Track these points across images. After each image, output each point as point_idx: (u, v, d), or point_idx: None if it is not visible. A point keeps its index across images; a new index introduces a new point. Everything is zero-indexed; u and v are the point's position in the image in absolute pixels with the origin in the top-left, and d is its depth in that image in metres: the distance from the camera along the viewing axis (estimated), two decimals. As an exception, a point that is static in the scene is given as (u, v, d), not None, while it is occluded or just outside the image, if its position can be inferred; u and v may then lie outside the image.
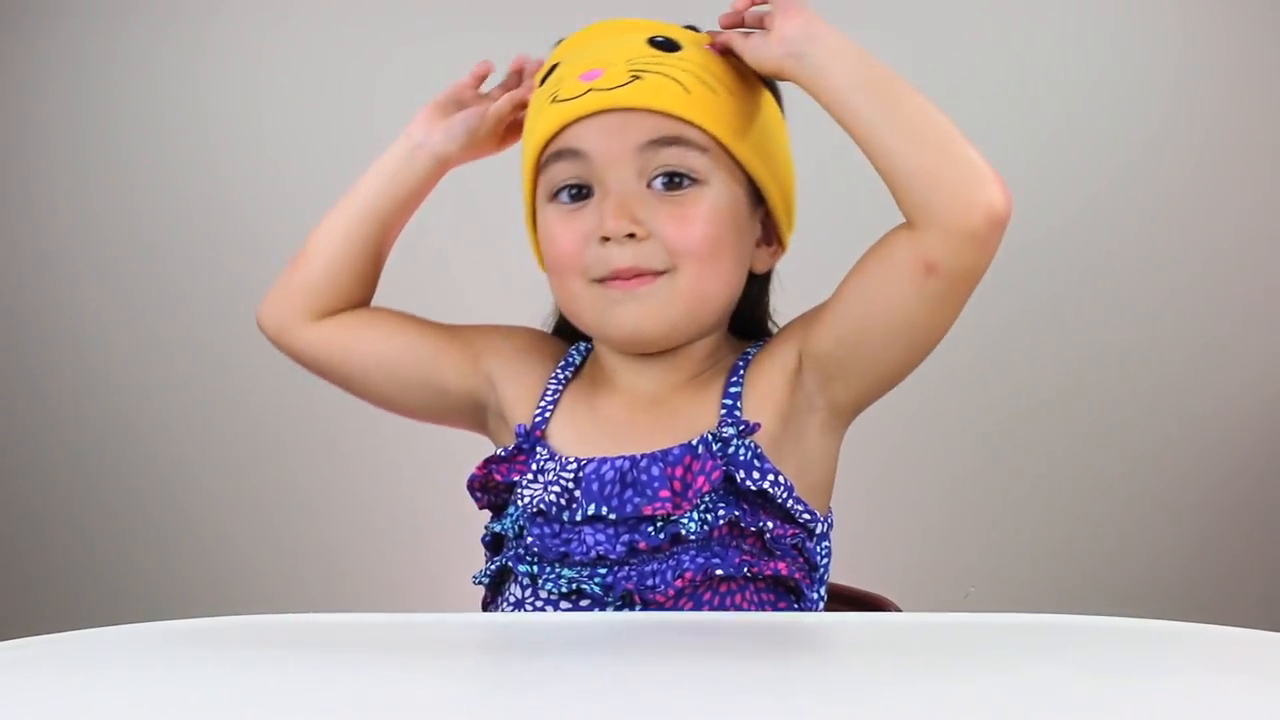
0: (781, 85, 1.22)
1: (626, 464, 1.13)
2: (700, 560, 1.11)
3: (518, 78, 1.30)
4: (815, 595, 1.17)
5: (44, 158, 2.64)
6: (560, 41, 1.24)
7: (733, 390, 1.17)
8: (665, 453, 1.13)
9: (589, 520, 1.12)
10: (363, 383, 1.28)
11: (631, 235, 1.13)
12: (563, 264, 1.16)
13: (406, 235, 1.29)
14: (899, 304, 1.09)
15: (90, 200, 2.63)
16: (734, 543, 1.12)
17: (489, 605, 1.23)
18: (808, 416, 1.16)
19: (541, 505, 1.14)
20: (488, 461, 1.20)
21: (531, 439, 1.19)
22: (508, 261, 2.25)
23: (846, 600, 1.33)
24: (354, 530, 2.64)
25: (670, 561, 1.11)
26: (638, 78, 1.13)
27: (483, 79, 1.30)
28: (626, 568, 1.12)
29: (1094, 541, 2.63)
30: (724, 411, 1.16)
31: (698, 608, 1.11)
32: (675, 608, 1.11)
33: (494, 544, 1.22)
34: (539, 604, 1.15)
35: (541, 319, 1.32)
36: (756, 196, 1.19)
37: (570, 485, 1.14)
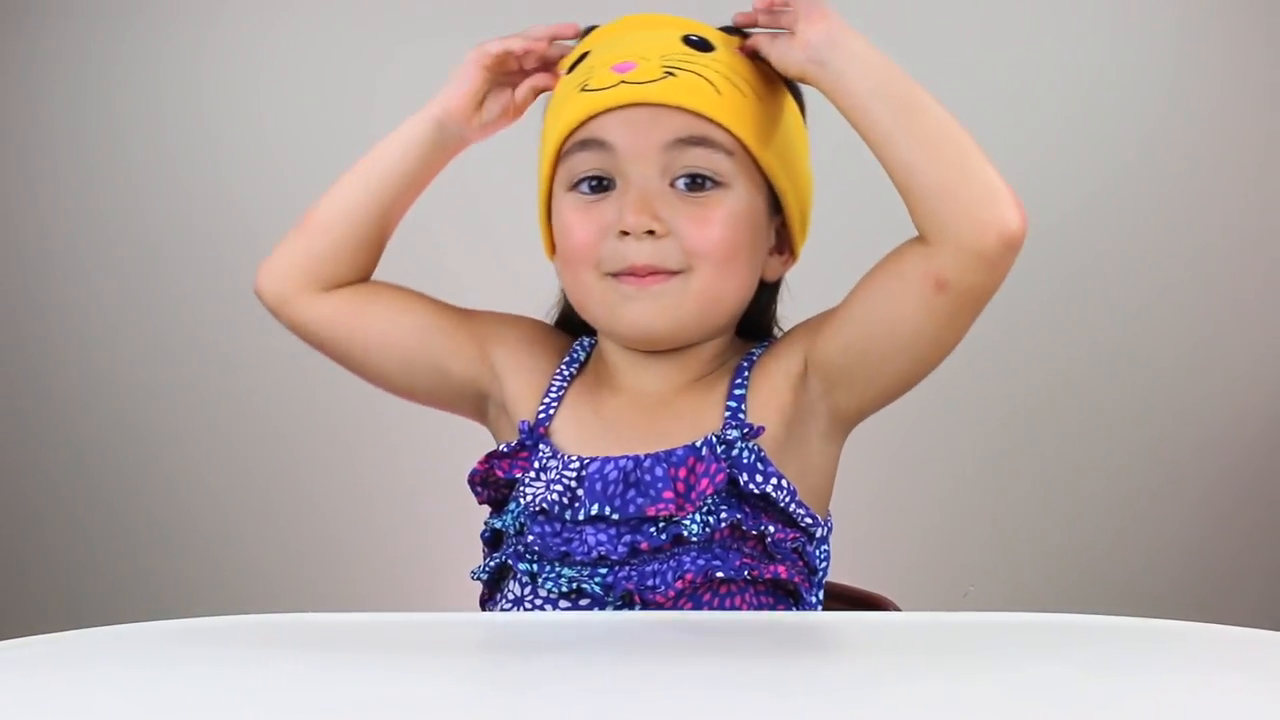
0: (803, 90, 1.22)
1: (630, 464, 1.13)
2: (701, 562, 1.11)
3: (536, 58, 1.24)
4: (814, 599, 1.17)
5: (46, 158, 2.64)
6: (590, 30, 1.22)
7: (737, 392, 1.17)
8: (669, 453, 1.13)
9: (591, 520, 1.12)
10: (364, 360, 1.25)
11: (651, 232, 1.12)
12: (577, 255, 1.15)
13: (403, 224, 1.28)
14: (906, 318, 1.08)
15: (93, 200, 2.63)
16: (735, 545, 1.12)
17: (487, 601, 1.22)
18: (810, 422, 1.16)
19: (544, 504, 1.14)
20: (489, 457, 1.20)
21: (534, 435, 1.19)
22: (505, 251, 2.25)
23: (846, 600, 1.33)
24: (355, 525, 2.64)
25: (671, 562, 1.11)
26: (671, 74, 1.12)
27: (530, 55, 1.22)
28: (627, 568, 1.12)
29: (1094, 541, 2.63)
30: (728, 413, 1.15)
31: (697, 609, 1.11)
32: (675, 609, 1.11)
33: (493, 540, 1.22)
34: (538, 602, 1.15)
35: (540, 310, 1.31)
36: (774, 204, 1.19)
37: (573, 484, 1.14)
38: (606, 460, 1.14)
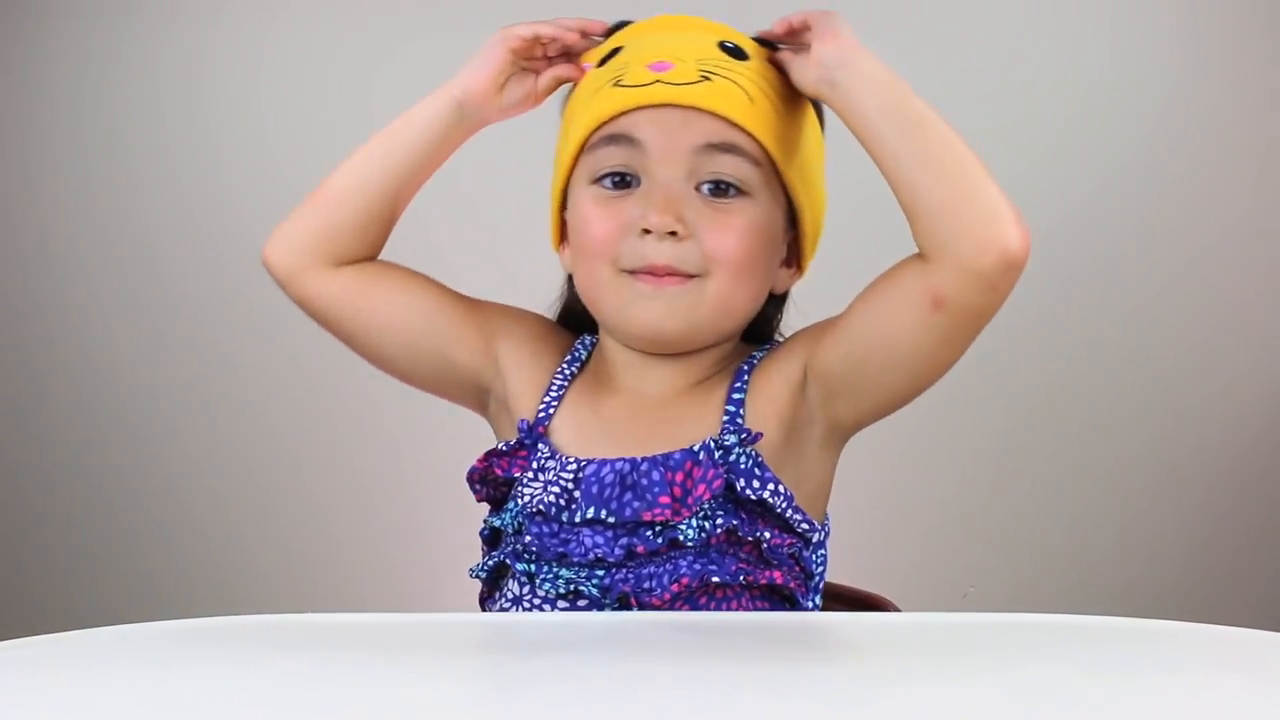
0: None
1: (626, 467, 1.13)
2: (697, 566, 1.11)
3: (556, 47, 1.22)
4: (810, 604, 1.17)
5: (46, 157, 2.64)
6: (621, 25, 1.22)
7: (736, 397, 1.16)
8: (666, 457, 1.13)
9: (588, 522, 1.12)
10: (368, 340, 1.24)
11: (673, 234, 1.12)
12: (594, 249, 1.15)
13: (402, 220, 1.27)
14: (904, 333, 1.08)
15: (92, 200, 2.63)
16: (731, 550, 1.12)
17: (486, 599, 1.22)
18: (808, 429, 1.16)
19: (541, 506, 1.14)
20: (488, 455, 1.20)
21: (534, 435, 1.19)
22: (504, 246, 2.25)
23: (846, 600, 1.33)
24: (354, 523, 2.64)
25: (667, 566, 1.11)
26: (707, 79, 1.12)
27: (562, 48, 1.21)
28: (623, 570, 1.12)
29: (1094, 541, 2.63)
30: (726, 418, 1.15)
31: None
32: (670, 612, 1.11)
33: (492, 538, 1.22)
34: (536, 602, 1.15)
35: (537, 306, 1.31)
36: (790, 217, 1.19)
37: (570, 486, 1.14)
38: (603, 463, 1.14)
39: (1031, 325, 2.51)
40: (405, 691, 0.81)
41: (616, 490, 1.12)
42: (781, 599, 1.15)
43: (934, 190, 1.05)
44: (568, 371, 1.23)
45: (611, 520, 1.11)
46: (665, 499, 1.11)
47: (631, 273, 1.14)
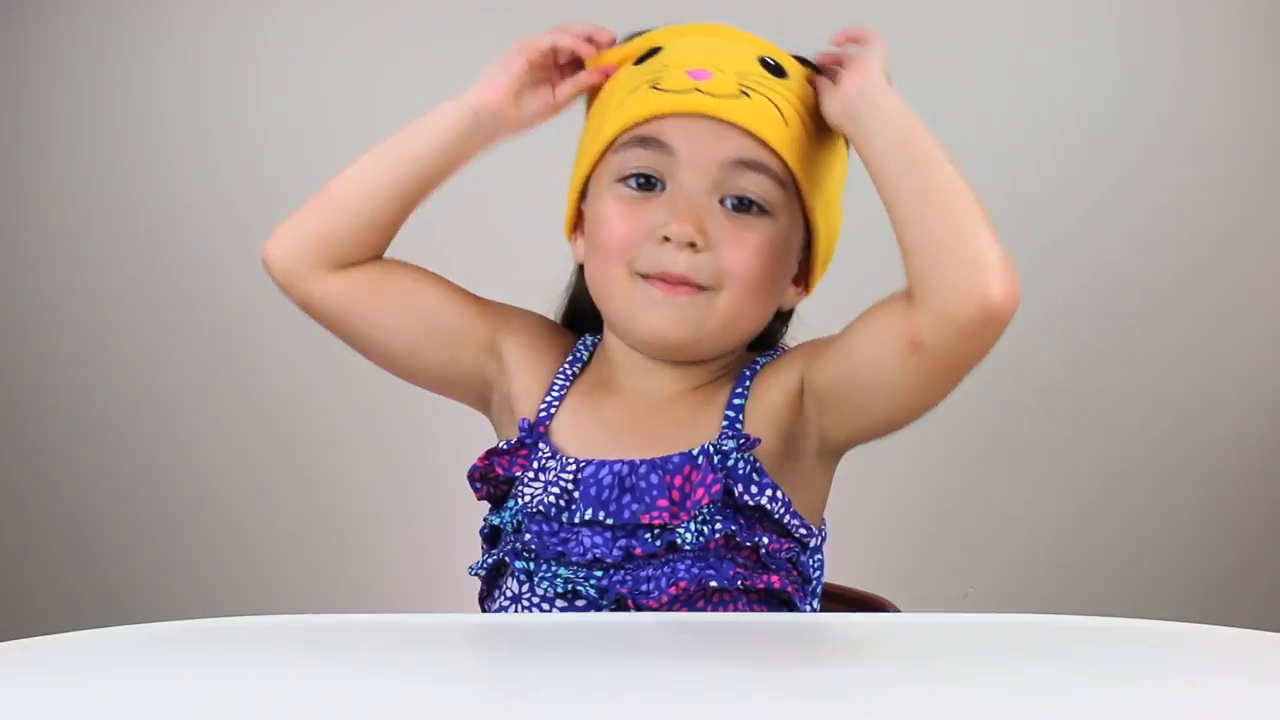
0: None
1: (625, 469, 1.13)
2: (695, 570, 1.11)
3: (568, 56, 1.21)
4: (808, 608, 1.17)
5: (44, 155, 2.64)
6: (634, 36, 1.20)
7: (736, 402, 1.16)
8: (665, 460, 1.13)
9: (586, 523, 1.12)
10: (369, 340, 1.23)
11: (693, 245, 1.11)
12: (611, 248, 1.14)
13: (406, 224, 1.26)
14: (883, 369, 1.08)
15: (91, 199, 2.63)
16: (729, 555, 1.12)
17: (485, 597, 1.22)
18: (804, 441, 1.16)
19: (541, 506, 1.14)
20: (489, 454, 1.20)
21: (535, 434, 1.19)
22: (503, 244, 2.26)
23: (845, 601, 1.33)
24: (353, 522, 2.64)
25: (666, 569, 1.11)
26: (746, 94, 1.11)
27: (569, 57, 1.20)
28: (622, 572, 1.12)
29: (1093, 542, 2.63)
30: (725, 423, 1.15)
31: None
32: None
33: (491, 536, 1.22)
34: (535, 601, 1.15)
35: (540, 304, 1.30)
36: (805, 238, 1.19)
37: (570, 487, 1.14)
38: (602, 464, 1.14)
39: (1031, 325, 2.51)
40: (405, 691, 0.81)
41: (615, 492, 1.12)
42: (779, 603, 1.15)
43: (924, 230, 1.04)
44: (569, 372, 1.23)
45: (610, 522, 1.12)
46: (663, 502, 1.11)
47: (645, 277, 1.13)
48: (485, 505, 1.23)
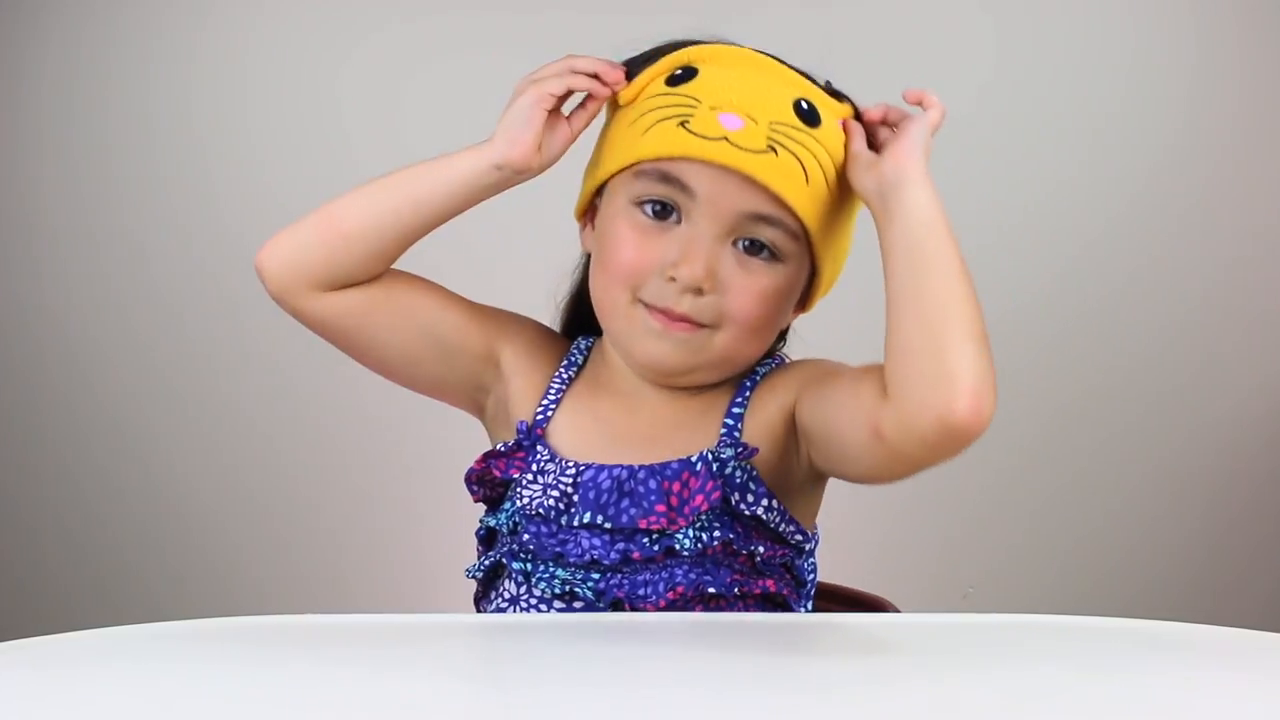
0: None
1: (624, 474, 1.13)
2: (693, 576, 1.11)
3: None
4: (803, 610, 1.18)
5: (33, 160, 2.62)
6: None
7: (735, 411, 1.17)
8: (663, 466, 1.13)
9: (585, 526, 1.13)
10: (367, 352, 1.22)
11: (699, 290, 1.12)
12: (619, 274, 1.14)
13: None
14: (850, 444, 1.08)
15: (80, 203, 2.62)
16: (726, 561, 1.13)
17: (481, 599, 1.22)
18: (796, 457, 1.16)
19: (540, 509, 1.14)
20: (486, 456, 1.20)
21: (532, 436, 1.19)
22: (502, 246, 2.25)
23: (844, 601, 1.33)
24: (348, 524, 2.64)
25: (663, 574, 1.12)
26: (773, 150, 1.10)
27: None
28: (619, 575, 1.12)
29: (1093, 541, 2.63)
30: (724, 430, 1.16)
31: None
32: None
33: (487, 538, 1.22)
34: (533, 602, 1.15)
35: (536, 307, 1.30)
36: (812, 274, 1.19)
37: (569, 490, 1.14)
38: (601, 468, 1.14)
39: (1032, 326, 2.52)
40: (405, 691, 0.81)
41: (614, 496, 1.13)
42: (775, 607, 1.15)
43: (906, 334, 1.03)
44: (565, 375, 1.23)
45: (608, 526, 1.12)
46: (661, 507, 1.11)
47: (647, 306, 1.13)
48: (478, 508, 1.23)
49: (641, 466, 1.13)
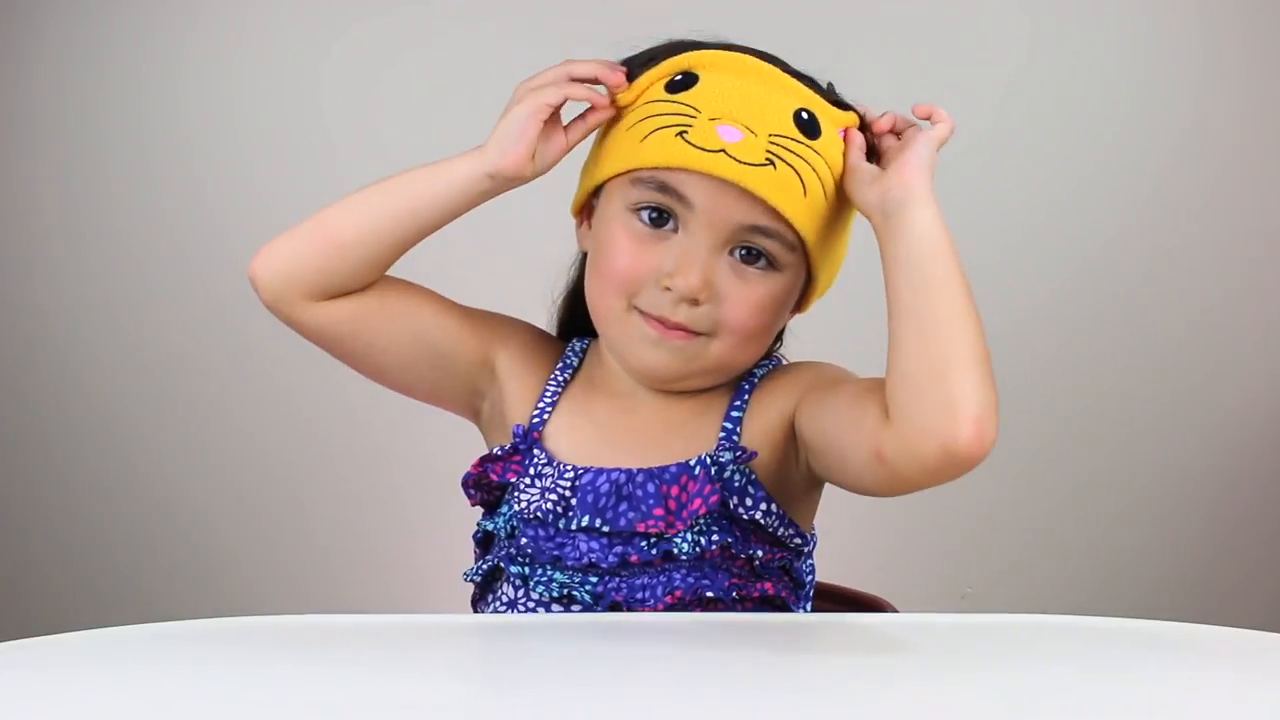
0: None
1: (622, 477, 1.13)
2: (691, 580, 1.11)
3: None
4: (801, 611, 1.18)
5: (26, 159, 2.62)
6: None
7: (734, 414, 1.17)
8: (662, 470, 1.13)
9: (583, 529, 1.13)
10: (362, 360, 1.22)
11: (694, 301, 1.11)
12: (614, 281, 1.14)
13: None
14: (850, 461, 1.07)
15: (70, 203, 2.61)
16: (725, 565, 1.13)
17: (478, 602, 1.22)
18: (795, 462, 1.16)
19: (538, 513, 1.14)
20: (482, 460, 1.20)
21: (529, 440, 1.19)
22: (511, 256, 2.25)
23: (843, 601, 1.33)
24: (342, 528, 2.63)
25: (661, 577, 1.12)
26: (772, 163, 1.09)
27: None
28: (617, 579, 1.12)
29: (1093, 542, 2.63)
30: (723, 434, 1.16)
31: None
32: None
33: (484, 541, 1.22)
34: (530, 605, 1.15)
35: (532, 309, 1.30)
36: (808, 279, 1.19)
37: (567, 494, 1.14)
38: (599, 472, 1.14)
39: (1032, 327, 2.52)
40: (405, 691, 0.81)
41: (611, 500, 1.13)
42: (774, 609, 1.15)
43: (909, 358, 1.03)
44: (560, 378, 1.23)
45: (606, 529, 1.12)
46: (659, 511, 1.11)
47: (643, 313, 1.13)
48: (473, 511, 1.23)
49: (640, 470, 1.13)
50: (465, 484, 1.20)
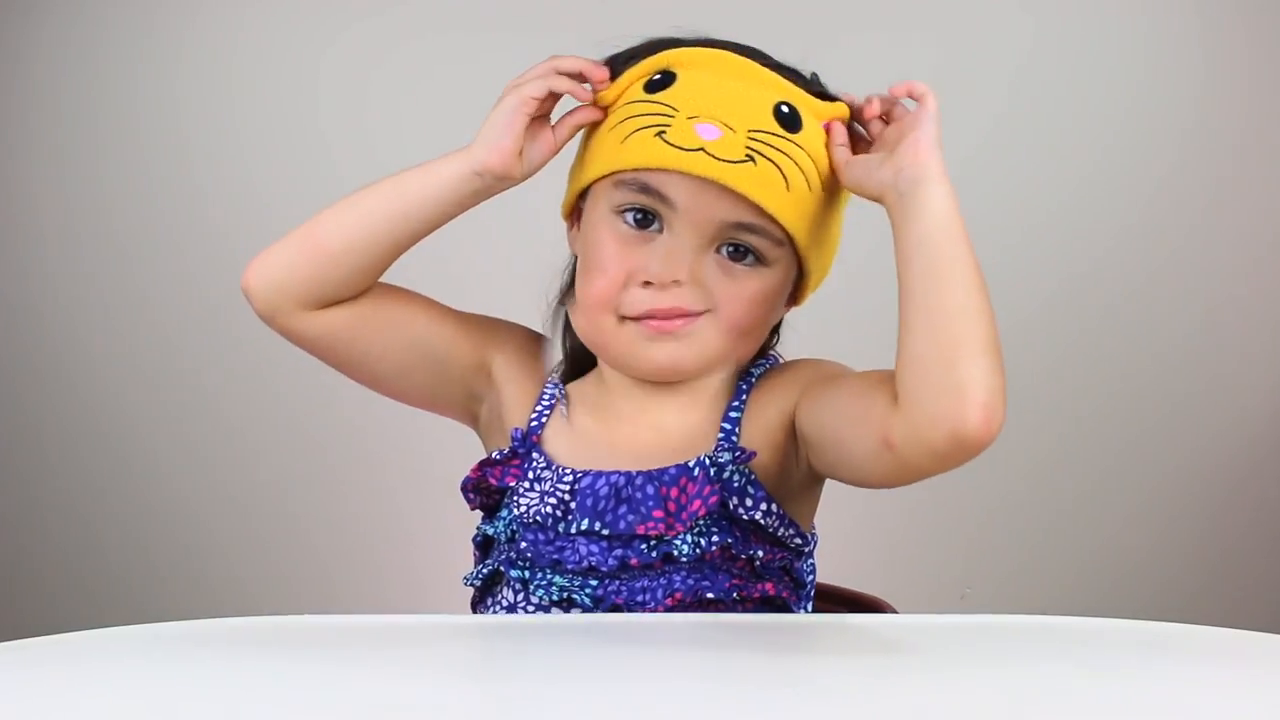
0: None
1: (621, 480, 1.13)
2: (691, 582, 1.11)
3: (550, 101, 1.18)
4: (803, 612, 1.18)
5: (23, 161, 2.62)
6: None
7: (733, 414, 1.17)
8: (661, 471, 1.13)
9: (583, 532, 1.13)
10: (358, 368, 1.22)
11: (676, 282, 1.11)
12: (598, 295, 1.13)
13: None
14: (856, 452, 1.07)
15: (66, 203, 2.61)
16: (725, 566, 1.13)
17: (478, 605, 1.22)
18: (795, 461, 1.16)
19: (538, 517, 1.14)
20: (482, 464, 1.20)
21: (527, 443, 1.19)
22: (506, 258, 2.25)
23: (842, 602, 1.33)
24: (341, 531, 2.63)
25: (661, 580, 1.12)
26: (751, 159, 1.09)
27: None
28: (617, 581, 1.12)
29: (1093, 542, 2.63)
30: (721, 435, 1.15)
31: None
32: None
33: (484, 545, 1.22)
34: (530, 609, 1.15)
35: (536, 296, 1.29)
36: (801, 272, 1.18)
37: (566, 497, 1.14)
38: (599, 475, 1.14)
39: (1032, 327, 2.52)
40: (405, 691, 0.81)
41: (611, 503, 1.13)
42: (774, 610, 1.15)
43: (919, 344, 1.02)
44: (558, 380, 1.23)
45: (606, 532, 1.12)
46: (659, 513, 1.11)
47: (635, 319, 1.13)
48: (472, 515, 1.23)
49: (639, 472, 1.13)
50: (464, 488, 1.20)
